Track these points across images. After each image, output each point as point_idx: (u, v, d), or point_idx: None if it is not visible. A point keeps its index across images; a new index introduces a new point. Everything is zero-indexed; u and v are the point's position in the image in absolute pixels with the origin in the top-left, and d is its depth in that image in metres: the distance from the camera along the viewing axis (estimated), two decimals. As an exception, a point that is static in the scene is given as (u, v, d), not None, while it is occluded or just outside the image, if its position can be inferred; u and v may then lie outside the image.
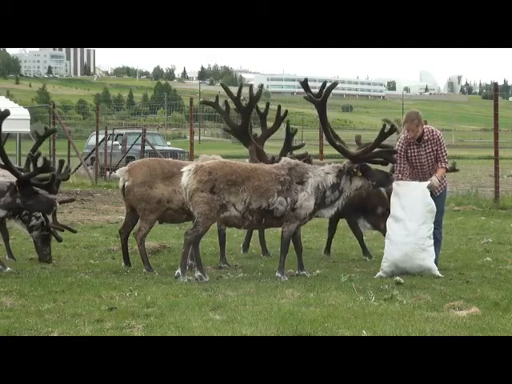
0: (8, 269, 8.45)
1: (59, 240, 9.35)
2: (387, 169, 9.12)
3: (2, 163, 8.47)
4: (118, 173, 8.88)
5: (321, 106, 8.40)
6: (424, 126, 8.52)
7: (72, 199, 10.03)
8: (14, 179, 8.44)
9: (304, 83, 8.44)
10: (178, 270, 8.05)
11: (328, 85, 8.38)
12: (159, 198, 8.65)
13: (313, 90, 8.50)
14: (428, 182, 8.36)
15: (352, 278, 8.00)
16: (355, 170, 8.29)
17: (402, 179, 8.54)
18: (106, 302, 6.81)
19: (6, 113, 8.22)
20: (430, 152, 8.48)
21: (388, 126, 8.25)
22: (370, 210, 9.55)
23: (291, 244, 8.42)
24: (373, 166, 8.56)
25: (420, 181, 8.52)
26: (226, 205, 8.00)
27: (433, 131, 8.52)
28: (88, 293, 7.21)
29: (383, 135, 8.29)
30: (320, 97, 8.36)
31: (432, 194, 8.34)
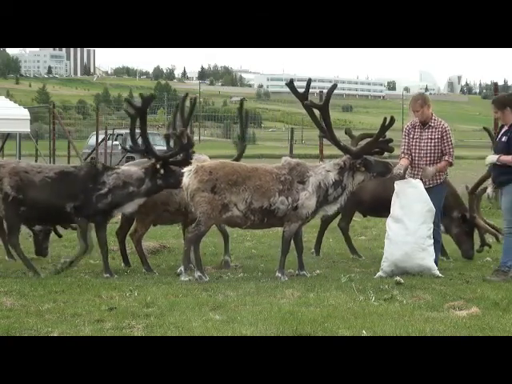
0: (115, 276, 8.22)
1: (59, 236, 9.72)
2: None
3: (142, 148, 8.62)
4: None
5: (324, 110, 8.32)
6: (434, 115, 8.52)
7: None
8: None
9: (290, 84, 8.34)
10: (181, 268, 8.09)
11: (321, 86, 8.36)
12: (154, 201, 8.55)
13: (312, 91, 8.47)
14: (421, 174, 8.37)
15: (352, 277, 7.99)
16: (358, 165, 8.28)
17: (405, 159, 8.56)
18: (106, 301, 6.81)
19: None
20: (430, 138, 8.48)
21: (388, 119, 8.20)
22: (446, 212, 9.11)
23: (292, 244, 8.41)
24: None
25: (414, 165, 8.52)
26: (228, 205, 8.00)
27: (441, 121, 8.54)
28: (88, 293, 7.21)
29: (384, 129, 8.26)
30: (306, 97, 8.30)
31: (428, 191, 8.30)
